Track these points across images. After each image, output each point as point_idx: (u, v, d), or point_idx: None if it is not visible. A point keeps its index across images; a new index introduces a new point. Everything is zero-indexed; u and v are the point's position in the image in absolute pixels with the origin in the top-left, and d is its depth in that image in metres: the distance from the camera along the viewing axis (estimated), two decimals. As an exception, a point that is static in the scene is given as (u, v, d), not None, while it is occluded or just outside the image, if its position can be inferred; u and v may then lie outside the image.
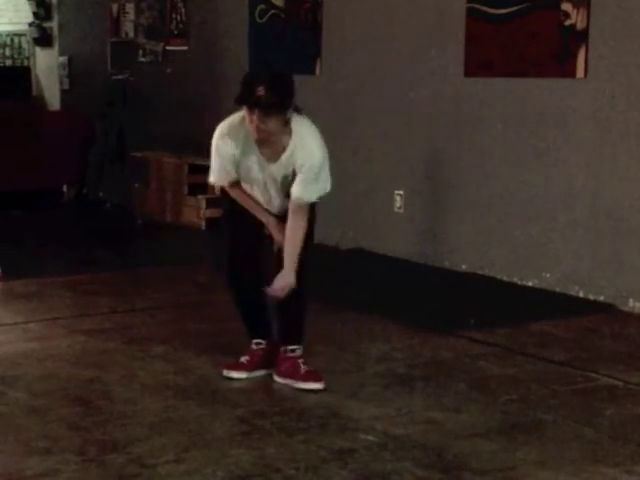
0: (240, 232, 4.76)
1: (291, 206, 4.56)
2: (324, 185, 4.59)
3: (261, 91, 4.29)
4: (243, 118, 4.46)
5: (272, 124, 4.37)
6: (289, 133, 4.48)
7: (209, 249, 8.06)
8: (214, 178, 4.69)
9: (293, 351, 4.75)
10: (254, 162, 4.55)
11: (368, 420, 4.25)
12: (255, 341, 4.87)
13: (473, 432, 4.14)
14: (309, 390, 4.63)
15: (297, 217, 4.56)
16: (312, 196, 4.58)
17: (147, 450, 3.87)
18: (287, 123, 4.44)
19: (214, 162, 4.65)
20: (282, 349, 4.76)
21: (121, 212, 10.15)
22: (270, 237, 4.75)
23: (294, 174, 4.53)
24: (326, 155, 4.57)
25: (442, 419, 4.29)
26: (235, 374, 4.79)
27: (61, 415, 4.25)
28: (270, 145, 4.49)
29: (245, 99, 4.36)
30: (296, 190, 4.52)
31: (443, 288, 6.82)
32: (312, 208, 4.69)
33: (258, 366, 4.82)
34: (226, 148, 4.56)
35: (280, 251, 4.67)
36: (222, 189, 4.81)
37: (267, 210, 4.70)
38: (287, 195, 4.60)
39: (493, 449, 3.95)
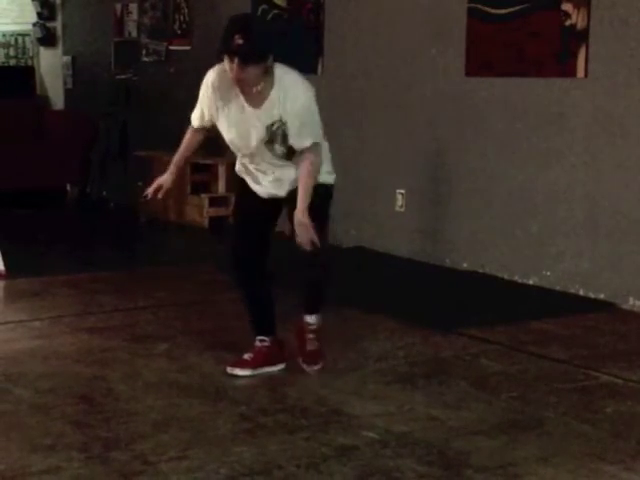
0: (246, 219, 4.80)
1: (300, 159, 4.56)
2: (318, 130, 4.56)
3: (239, 39, 4.30)
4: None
5: (251, 72, 4.36)
6: (272, 82, 4.47)
7: (212, 248, 8.08)
8: (192, 116, 4.78)
9: (310, 324, 4.92)
10: (237, 109, 4.54)
11: (370, 417, 4.27)
12: (259, 338, 4.90)
13: (474, 429, 4.15)
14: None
15: (306, 161, 4.54)
16: (308, 139, 4.52)
17: (150, 447, 3.88)
18: (268, 71, 4.44)
19: (198, 101, 4.71)
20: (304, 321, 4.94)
21: (124, 211, 10.17)
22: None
23: (280, 130, 4.50)
24: (313, 101, 4.54)
25: (443, 416, 4.30)
26: (239, 371, 4.81)
27: (65, 412, 4.27)
28: (252, 93, 4.47)
29: (224, 48, 4.37)
30: (294, 141, 4.51)
31: (444, 286, 6.84)
32: (326, 209, 4.75)
33: (262, 363, 4.85)
34: (208, 92, 4.60)
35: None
36: (236, 171, 4.85)
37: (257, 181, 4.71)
38: (283, 156, 4.58)
39: (494, 446, 3.96)
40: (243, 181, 4.81)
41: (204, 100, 4.64)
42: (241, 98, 4.51)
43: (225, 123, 4.61)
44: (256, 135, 4.55)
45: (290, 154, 4.58)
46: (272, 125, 4.50)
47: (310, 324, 4.93)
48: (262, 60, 4.37)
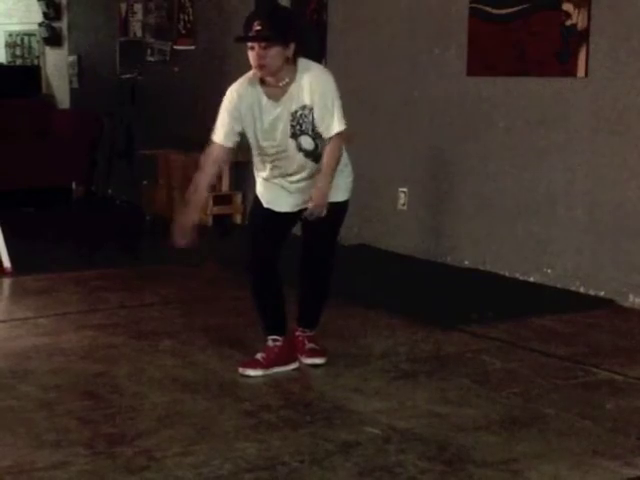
0: (263, 224, 4.77)
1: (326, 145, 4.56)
2: (342, 117, 4.52)
3: (257, 26, 4.35)
4: (253, 75, 4.51)
5: (272, 57, 4.39)
6: (295, 73, 4.49)
7: (216, 246, 8.12)
8: (215, 134, 4.64)
9: (304, 332, 4.99)
10: (262, 107, 4.53)
11: (372, 413, 4.29)
12: (272, 337, 4.85)
13: (475, 425, 4.17)
14: (312, 365, 4.91)
15: (330, 149, 4.52)
16: (336, 124, 4.50)
17: (155, 443, 3.90)
18: (290, 61, 4.45)
19: (219, 118, 4.63)
20: (300, 330, 5.01)
21: (129, 209, 10.20)
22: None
23: (305, 118, 4.50)
24: (335, 87, 4.52)
25: (445, 412, 4.32)
26: (251, 372, 4.77)
27: (71, 409, 4.29)
28: (276, 84, 4.49)
29: (244, 36, 4.42)
30: (321, 124, 4.50)
31: (446, 284, 6.85)
32: (344, 209, 4.82)
33: (274, 363, 4.81)
34: (233, 101, 4.57)
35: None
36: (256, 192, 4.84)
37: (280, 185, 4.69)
38: (308, 149, 4.58)
39: (495, 442, 3.98)
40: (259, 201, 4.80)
41: (228, 111, 4.58)
42: (265, 97, 4.52)
43: (252, 125, 4.57)
44: (282, 126, 4.53)
45: (319, 148, 4.57)
46: (296, 112, 4.50)
47: (308, 334, 5.01)
48: (282, 42, 4.39)
